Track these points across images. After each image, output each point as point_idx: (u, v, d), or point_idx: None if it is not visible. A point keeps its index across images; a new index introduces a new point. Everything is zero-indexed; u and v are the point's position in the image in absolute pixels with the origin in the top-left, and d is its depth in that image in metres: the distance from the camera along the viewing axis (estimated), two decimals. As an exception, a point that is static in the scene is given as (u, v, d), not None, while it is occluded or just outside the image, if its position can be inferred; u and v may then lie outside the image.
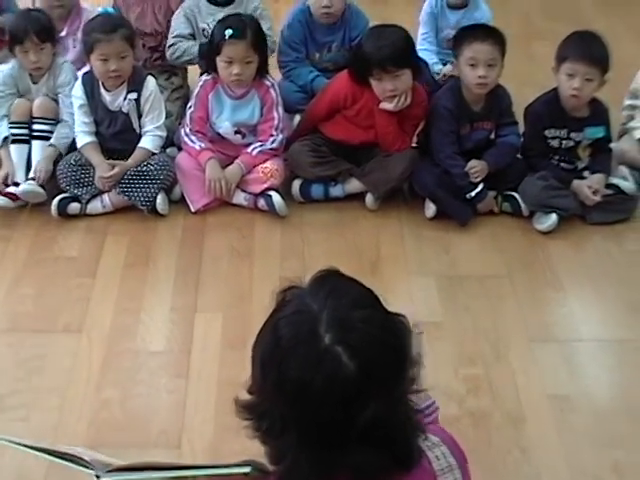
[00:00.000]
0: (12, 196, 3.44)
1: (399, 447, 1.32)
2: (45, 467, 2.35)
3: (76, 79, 3.54)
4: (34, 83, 3.58)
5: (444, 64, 3.93)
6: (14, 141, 3.51)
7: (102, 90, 3.46)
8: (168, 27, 3.91)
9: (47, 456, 1.60)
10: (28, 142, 3.53)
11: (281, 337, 1.29)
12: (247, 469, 1.35)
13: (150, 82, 3.49)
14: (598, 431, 2.54)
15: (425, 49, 3.97)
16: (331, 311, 1.29)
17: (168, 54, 3.86)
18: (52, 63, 3.56)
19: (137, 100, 3.47)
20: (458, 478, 1.43)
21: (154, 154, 3.49)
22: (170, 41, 3.84)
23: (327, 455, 1.28)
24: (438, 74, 3.91)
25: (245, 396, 1.38)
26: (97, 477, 1.50)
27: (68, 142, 3.53)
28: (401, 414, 1.31)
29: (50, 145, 3.49)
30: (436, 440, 1.46)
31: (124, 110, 3.47)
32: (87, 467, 1.53)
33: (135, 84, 3.47)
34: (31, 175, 3.44)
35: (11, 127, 3.51)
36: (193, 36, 3.85)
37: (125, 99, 3.46)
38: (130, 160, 3.45)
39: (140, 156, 3.46)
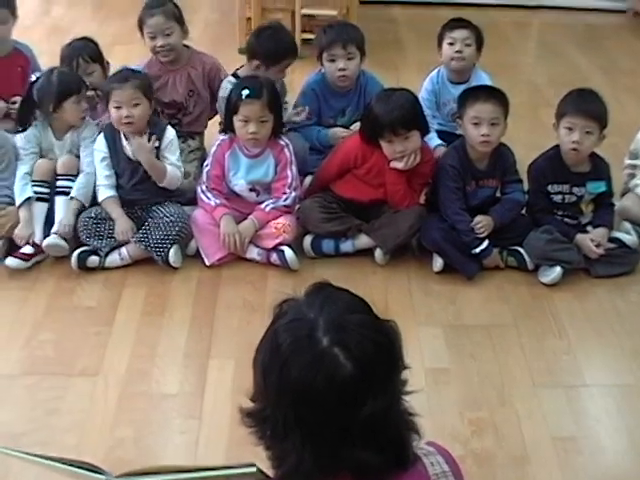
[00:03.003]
0: (26, 256, 3.54)
1: (396, 445, 1.39)
2: None
3: (99, 133, 3.67)
4: (58, 140, 3.70)
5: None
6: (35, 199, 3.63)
7: (123, 141, 3.60)
8: (187, 98, 4.11)
9: (57, 464, 1.64)
10: (48, 200, 3.64)
11: (281, 343, 1.37)
12: (253, 469, 1.41)
13: (169, 131, 3.64)
14: (602, 472, 2.58)
15: None
16: (327, 316, 1.38)
17: None
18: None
19: (157, 148, 3.58)
20: None
21: (170, 194, 3.64)
22: None
23: (330, 452, 1.35)
24: None
25: (249, 405, 1.45)
26: None
27: (88, 191, 3.63)
28: (396, 413, 1.39)
29: (71, 198, 3.60)
30: (431, 449, 1.52)
31: None
32: (97, 472, 1.58)
33: (156, 132, 3.59)
34: (55, 229, 3.54)
35: (33, 185, 3.63)
36: None
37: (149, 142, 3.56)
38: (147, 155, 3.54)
39: (159, 166, 3.57)
